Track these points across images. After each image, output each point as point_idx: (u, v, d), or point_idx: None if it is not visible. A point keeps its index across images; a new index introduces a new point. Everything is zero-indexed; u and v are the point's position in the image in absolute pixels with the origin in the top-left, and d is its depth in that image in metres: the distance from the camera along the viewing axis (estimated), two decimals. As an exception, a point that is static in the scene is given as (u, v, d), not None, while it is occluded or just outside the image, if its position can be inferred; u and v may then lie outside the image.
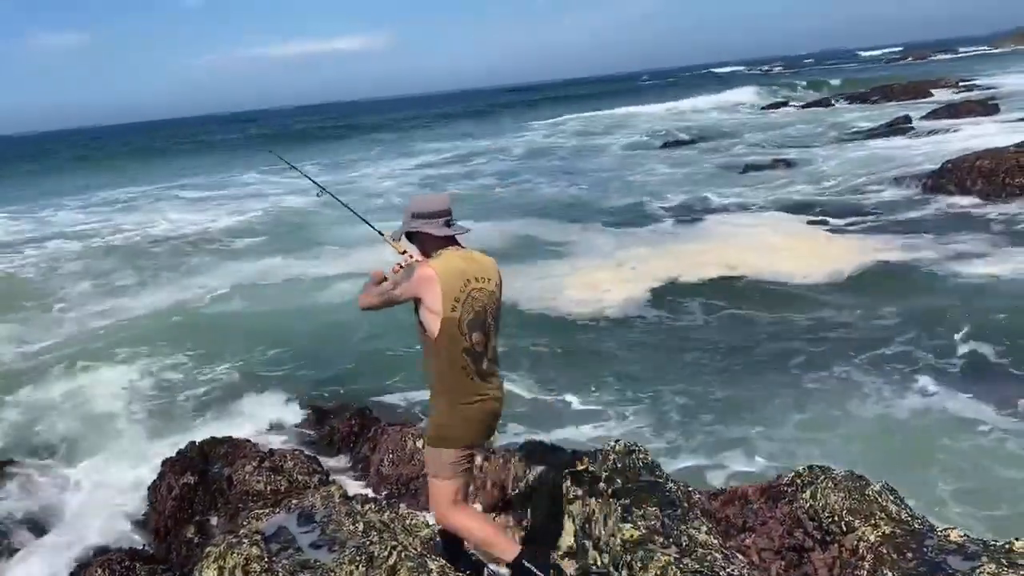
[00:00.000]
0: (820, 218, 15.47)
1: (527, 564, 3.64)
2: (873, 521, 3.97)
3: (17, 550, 5.97)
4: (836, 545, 4.04)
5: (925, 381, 7.72)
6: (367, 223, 4.31)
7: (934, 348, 8.40)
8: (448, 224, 3.63)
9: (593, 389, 8.28)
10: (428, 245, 3.68)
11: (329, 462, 6.45)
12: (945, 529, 3.87)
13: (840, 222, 14.96)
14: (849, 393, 7.60)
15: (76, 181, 38.64)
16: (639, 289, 11.42)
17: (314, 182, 4.67)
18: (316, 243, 17.18)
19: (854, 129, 29.63)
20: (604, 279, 12.11)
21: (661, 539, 3.96)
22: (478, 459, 5.03)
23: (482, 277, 3.59)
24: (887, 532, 3.86)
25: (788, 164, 22.68)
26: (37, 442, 7.97)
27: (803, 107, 44.69)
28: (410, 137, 50.82)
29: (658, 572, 3.75)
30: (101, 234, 20.48)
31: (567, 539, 4.36)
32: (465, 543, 4.04)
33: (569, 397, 8.15)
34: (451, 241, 3.67)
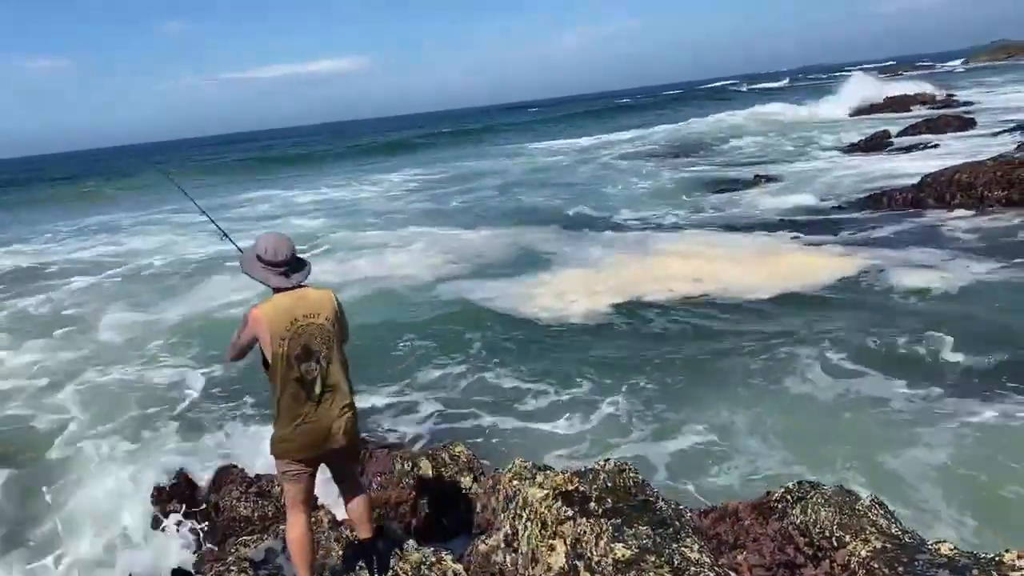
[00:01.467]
0: (793, 233, 15.56)
1: None
2: (864, 536, 3.98)
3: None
4: (828, 561, 4.04)
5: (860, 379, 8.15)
6: (233, 243, 4.89)
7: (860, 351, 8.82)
8: (286, 274, 4.02)
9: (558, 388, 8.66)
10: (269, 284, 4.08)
11: (317, 487, 6.37)
12: (936, 543, 3.89)
13: (814, 237, 15.02)
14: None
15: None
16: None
17: (197, 204, 4.98)
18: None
19: (831, 144, 30.02)
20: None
21: (653, 558, 3.95)
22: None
23: (311, 313, 3.97)
24: (878, 547, 3.87)
25: (769, 179, 22.84)
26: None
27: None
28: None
29: (651, 592, 3.73)
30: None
31: (558, 560, 4.32)
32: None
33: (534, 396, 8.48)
34: (284, 287, 4.03)
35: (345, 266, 16.06)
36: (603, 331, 10.60)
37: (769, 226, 16.48)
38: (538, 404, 8.43)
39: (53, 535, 6.53)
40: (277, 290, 4.02)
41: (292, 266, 4.05)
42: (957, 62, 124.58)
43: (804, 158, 27.51)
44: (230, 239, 5.04)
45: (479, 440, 7.68)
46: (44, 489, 7.31)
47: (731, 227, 16.90)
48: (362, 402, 8.58)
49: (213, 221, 5.45)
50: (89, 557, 6.07)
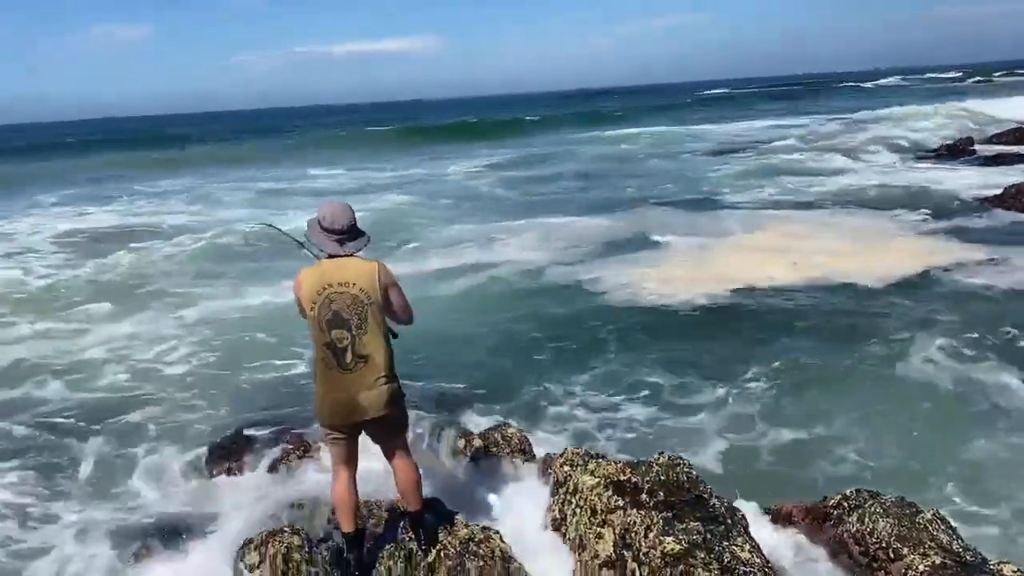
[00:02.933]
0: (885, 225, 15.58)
1: (349, 546, 4.42)
2: (923, 550, 3.89)
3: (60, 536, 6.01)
4: (883, 572, 3.96)
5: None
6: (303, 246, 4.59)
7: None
8: (340, 242, 4.12)
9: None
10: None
11: (369, 458, 6.49)
12: (999, 563, 3.77)
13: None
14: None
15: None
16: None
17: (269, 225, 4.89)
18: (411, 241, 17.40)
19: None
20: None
21: (703, 554, 3.92)
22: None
23: (345, 282, 4.04)
24: (937, 562, 3.77)
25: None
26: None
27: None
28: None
29: (698, 587, 3.72)
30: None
31: (606, 548, 4.33)
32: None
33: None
34: (336, 254, 4.13)
35: (450, 252, 16.05)
36: (706, 319, 10.54)
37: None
38: (627, 394, 8.31)
39: (120, 486, 6.80)
40: (330, 257, 4.12)
41: (349, 235, 4.14)
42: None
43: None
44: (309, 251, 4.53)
45: (550, 425, 7.69)
46: (121, 450, 7.58)
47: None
48: (438, 380, 8.74)
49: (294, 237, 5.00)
50: (142, 506, 6.28)
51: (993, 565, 3.79)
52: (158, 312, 12.43)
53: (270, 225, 4.70)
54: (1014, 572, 3.69)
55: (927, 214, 16.66)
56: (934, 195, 18.98)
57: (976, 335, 9.07)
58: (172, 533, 5.45)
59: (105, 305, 12.82)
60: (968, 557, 3.86)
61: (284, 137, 63.57)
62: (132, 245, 18.25)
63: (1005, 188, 17.24)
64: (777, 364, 8.73)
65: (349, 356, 4.07)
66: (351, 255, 4.14)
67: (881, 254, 13.35)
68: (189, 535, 5.48)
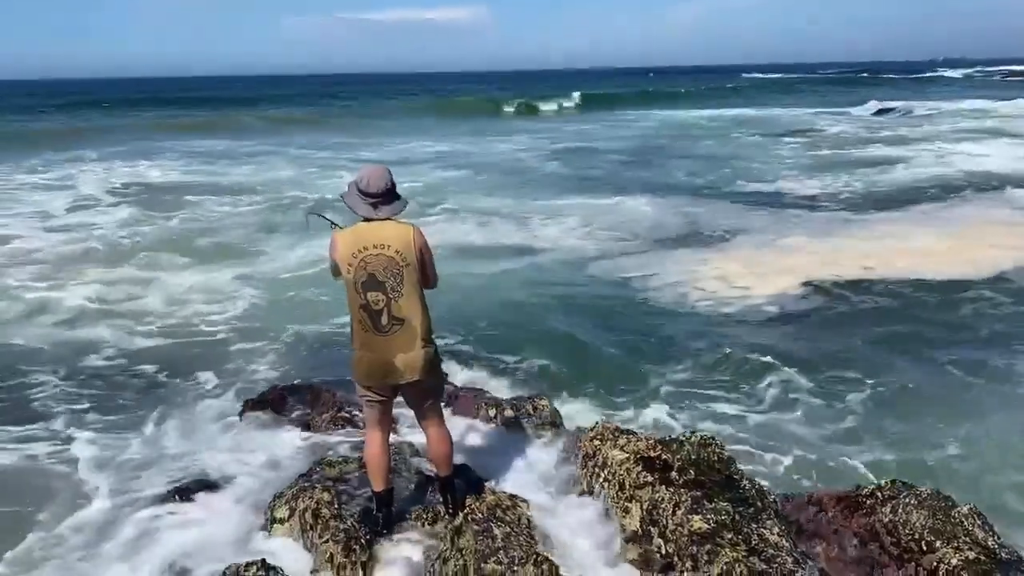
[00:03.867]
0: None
1: (379, 505, 4.47)
2: (956, 544, 3.81)
3: (86, 481, 6.19)
4: (914, 564, 3.90)
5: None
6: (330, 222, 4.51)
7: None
8: (375, 205, 4.09)
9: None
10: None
11: (400, 419, 6.54)
12: (1036, 562, 3.69)
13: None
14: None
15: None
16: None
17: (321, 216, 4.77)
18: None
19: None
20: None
21: (731, 535, 3.90)
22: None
23: (381, 244, 4.03)
24: (971, 557, 3.70)
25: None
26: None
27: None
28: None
29: (724, 568, 3.70)
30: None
31: (633, 522, 4.32)
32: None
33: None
34: (370, 217, 4.12)
35: (489, 229, 16.15)
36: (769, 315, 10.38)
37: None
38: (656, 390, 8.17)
39: (158, 431, 7.00)
40: (365, 220, 4.12)
41: (384, 199, 4.12)
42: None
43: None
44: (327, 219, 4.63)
45: (582, 403, 7.69)
46: (167, 396, 7.81)
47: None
48: (468, 346, 8.78)
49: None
50: (174, 452, 6.43)
51: (1029, 564, 3.72)
52: (215, 265, 12.84)
53: (320, 215, 4.67)
54: (1051, 572, 3.61)
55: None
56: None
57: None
58: (204, 484, 5.54)
59: (166, 256, 13.36)
60: (1004, 554, 3.78)
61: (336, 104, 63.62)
62: (188, 198, 18.87)
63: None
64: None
65: (385, 319, 4.08)
66: (386, 219, 4.12)
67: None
68: (221, 486, 5.57)
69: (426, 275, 4.25)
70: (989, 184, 19.18)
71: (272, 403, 6.40)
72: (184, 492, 5.31)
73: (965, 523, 3.96)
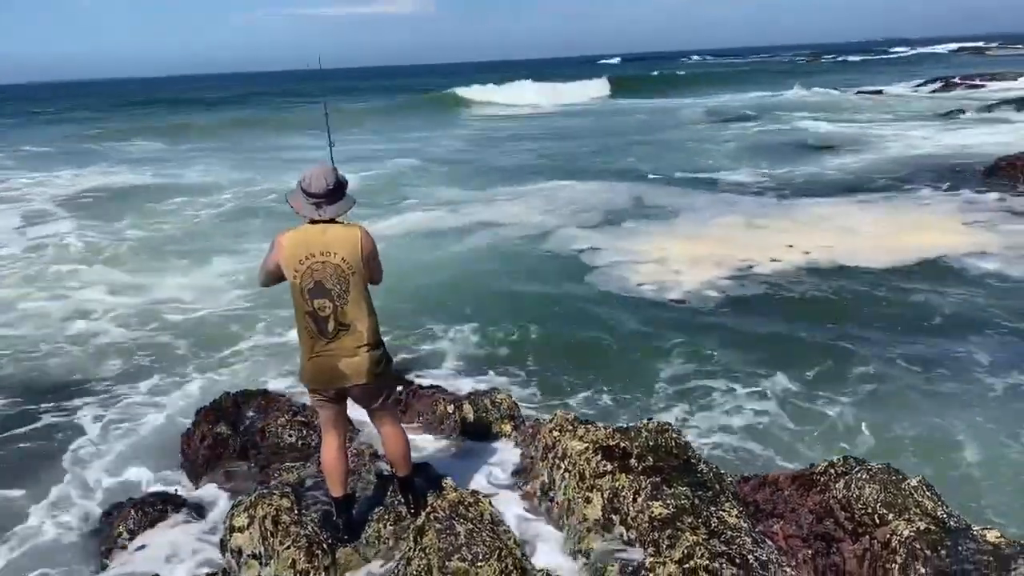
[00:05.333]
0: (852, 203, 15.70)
1: (338, 511, 4.44)
2: (908, 516, 3.91)
3: (48, 491, 6.11)
4: (868, 537, 3.99)
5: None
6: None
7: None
8: (318, 205, 4.01)
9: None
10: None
11: (360, 421, 6.51)
12: (982, 529, 3.81)
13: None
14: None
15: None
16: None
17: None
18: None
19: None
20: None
21: (690, 519, 3.95)
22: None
23: (327, 251, 3.97)
24: (922, 528, 3.80)
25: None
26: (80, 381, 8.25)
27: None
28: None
29: (685, 551, 3.74)
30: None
31: (594, 512, 4.35)
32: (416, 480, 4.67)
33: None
34: (315, 219, 4.04)
35: (456, 212, 16.34)
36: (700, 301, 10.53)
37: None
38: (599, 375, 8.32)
39: (97, 447, 6.85)
40: (311, 221, 4.04)
41: (328, 199, 4.03)
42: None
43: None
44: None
45: (541, 393, 7.72)
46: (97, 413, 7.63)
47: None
48: (417, 344, 8.77)
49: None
50: (129, 473, 6.32)
51: (977, 531, 3.83)
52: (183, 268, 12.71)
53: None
54: (997, 538, 3.72)
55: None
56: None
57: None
58: (162, 496, 5.48)
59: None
60: (952, 523, 3.90)
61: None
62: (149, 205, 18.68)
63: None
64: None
65: (331, 324, 4.04)
66: (332, 220, 4.07)
67: None
68: (176, 499, 5.51)
69: (372, 274, 4.20)
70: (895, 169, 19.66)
71: (225, 411, 6.29)
72: (139, 505, 5.22)
73: (915, 495, 4.07)
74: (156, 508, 5.30)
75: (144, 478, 6.27)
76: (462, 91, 60.31)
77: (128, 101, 70.81)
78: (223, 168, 24.94)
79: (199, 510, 5.45)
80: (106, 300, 11.28)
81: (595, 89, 64.94)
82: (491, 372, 8.19)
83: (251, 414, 6.33)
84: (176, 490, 5.81)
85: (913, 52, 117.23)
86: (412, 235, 14.67)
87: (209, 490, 5.82)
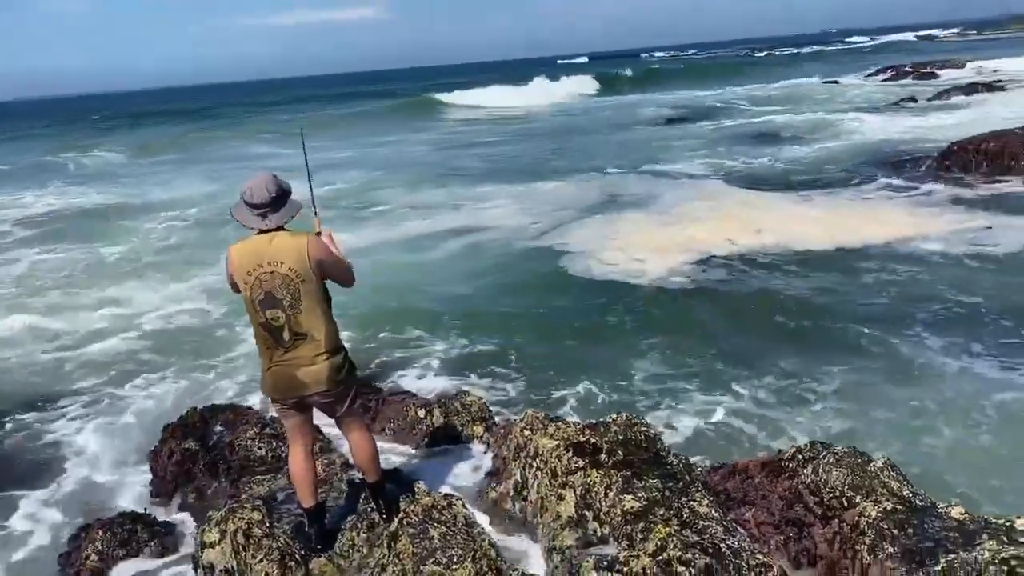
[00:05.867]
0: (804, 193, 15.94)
1: (310, 521, 4.41)
2: (875, 497, 3.98)
3: (17, 508, 6.01)
4: (837, 520, 4.05)
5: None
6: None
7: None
8: (263, 215, 3.97)
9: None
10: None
11: (331, 431, 6.47)
12: (947, 506, 3.88)
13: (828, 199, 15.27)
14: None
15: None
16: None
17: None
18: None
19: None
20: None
21: (662, 511, 3.98)
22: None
23: (274, 261, 3.93)
24: (888, 508, 3.87)
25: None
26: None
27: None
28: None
29: (658, 543, 3.76)
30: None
31: (567, 509, 4.36)
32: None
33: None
34: (261, 228, 4.00)
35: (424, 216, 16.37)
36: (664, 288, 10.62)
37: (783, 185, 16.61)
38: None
39: (64, 463, 6.75)
40: (259, 232, 4.00)
41: (272, 207, 3.98)
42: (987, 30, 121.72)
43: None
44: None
45: (512, 393, 7.72)
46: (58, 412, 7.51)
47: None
48: (383, 351, 8.75)
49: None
50: (98, 492, 6.22)
51: (942, 508, 3.90)
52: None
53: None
54: (961, 514, 3.79)
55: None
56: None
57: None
58: (134, 517, 5.40)
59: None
60: (918, 502, 3.97)
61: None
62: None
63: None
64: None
65: (287, 334, 4.00)
66: (279, 228, 4.01)
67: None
68: (146, 517, 5.43)
69: (336, 279, 4.17)
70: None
71: (193, 427, 6.21)
72: (107, 526, 5.13)
73: (881, 476, 4.14)
74: (125, 528, 5.21)
75: (113, 498, 6.15)
76: (435, 96, 59.95)
77: (86, 118, 69.52)
78: (189, 182, 24.58)
79: (169, 528, 5.38)
80: (78, 317, 11.08)
81: (578, 87, 65.02)
82: (463, 375, 8.16)
83: (219, 428, 6.24)
84: (145, 509, 5.72)
85: (872, 42, 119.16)
86: (382, 241, 14.60)
87: (179, 507, 5.75)
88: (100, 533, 5.17)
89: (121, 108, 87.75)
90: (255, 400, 7.33)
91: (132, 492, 6.17)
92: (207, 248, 14.82)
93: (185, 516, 5.56)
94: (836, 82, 47.15)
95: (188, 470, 5.93)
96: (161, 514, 5.63)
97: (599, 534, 4.16)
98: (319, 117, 47.71)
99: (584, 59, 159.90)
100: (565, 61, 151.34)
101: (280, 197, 4.01)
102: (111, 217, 19.33)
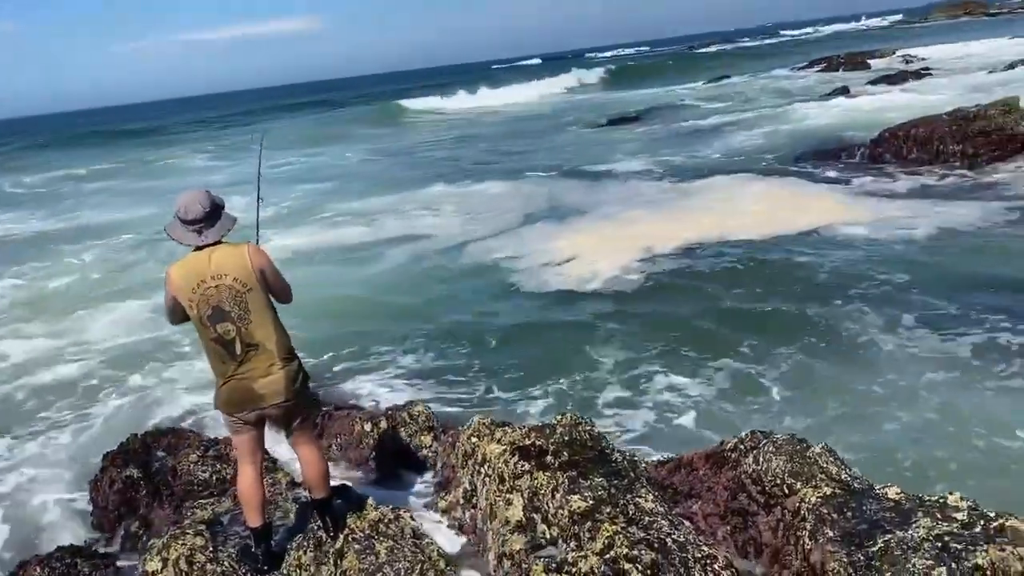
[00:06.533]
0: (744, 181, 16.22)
1: (252, 542, 4.34)
2: (814, 483, 4.05)
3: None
4: (779, 508, 4.11)
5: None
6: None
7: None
8: (199, 231, 3.93)
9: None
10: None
11: (276, 449, 6.35)
12: (883, 487, 3.96)
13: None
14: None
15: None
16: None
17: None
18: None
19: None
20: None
21: (608, 509, 3.99)
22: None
23: (217, 274, 3.89)
24: (828, 493, 3.94)
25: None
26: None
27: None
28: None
29: (605, 542, 3.78)
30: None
31: (516, 513, 4.34)
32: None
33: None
34: (199, 244, 3.96)
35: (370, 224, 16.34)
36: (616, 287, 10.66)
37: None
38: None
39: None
40: (196, 249, 3.95)
41: (207, 222, 3.94)
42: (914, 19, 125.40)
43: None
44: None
45: (458, 401, 7.67)
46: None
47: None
48: (327, 365, 8.63)
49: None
50: (35, 527, 6.03)
51: (879, 489, 3.99)
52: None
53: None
54: (897, 494, 3.88)
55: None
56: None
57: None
58: (72, 551, 5.24)
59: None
60: (856, 485, 4.05)
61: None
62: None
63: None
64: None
65: (239, 347, 3.94)
66: (217, 242, 3.96)
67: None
68: (86, 550, 5.27)
69: (275, 292, 4.11)
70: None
71: (134, 453, 6.05)
72: (45, 561, 4.97)
73: (820, 461, 4.21)
74: (64, 563, 5.05)
75: (52, 531, 5.96)
76: (396, 103, 59.32)
77: (12, 142, 67.33)
78: (123, 205, 23.97)
79: (111, 560, 5.23)
80: (12, 347, 10.74)
81: (548, 87, 64.97)
82: (413, 386, 8.10)
83: (161, 454, 6.09)
84: (86, 542, 5.56)
85: (805, 35, 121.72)
86: (324, 251, 14.45)
87: (122, 538, 5.60)
88: (38, 570, 5.00)
89: (53, 130, 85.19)
90: (208, 415, 7.19)
91: (72, 524, 5.99)
92: (145, 271, 14.53)
93: (128, 547, 5.40)
94: (773, 74, 48.11)
95: (130, 499, 5.78)
96: (103, 546, 5.48)
97: (548, 536, 4.15)
98: (277, 129, 47.02)
99: (538, 60, 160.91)
100: (524, 63, 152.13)
101: (214, 211, 3.96)
102: (47, 244, 18.74)
